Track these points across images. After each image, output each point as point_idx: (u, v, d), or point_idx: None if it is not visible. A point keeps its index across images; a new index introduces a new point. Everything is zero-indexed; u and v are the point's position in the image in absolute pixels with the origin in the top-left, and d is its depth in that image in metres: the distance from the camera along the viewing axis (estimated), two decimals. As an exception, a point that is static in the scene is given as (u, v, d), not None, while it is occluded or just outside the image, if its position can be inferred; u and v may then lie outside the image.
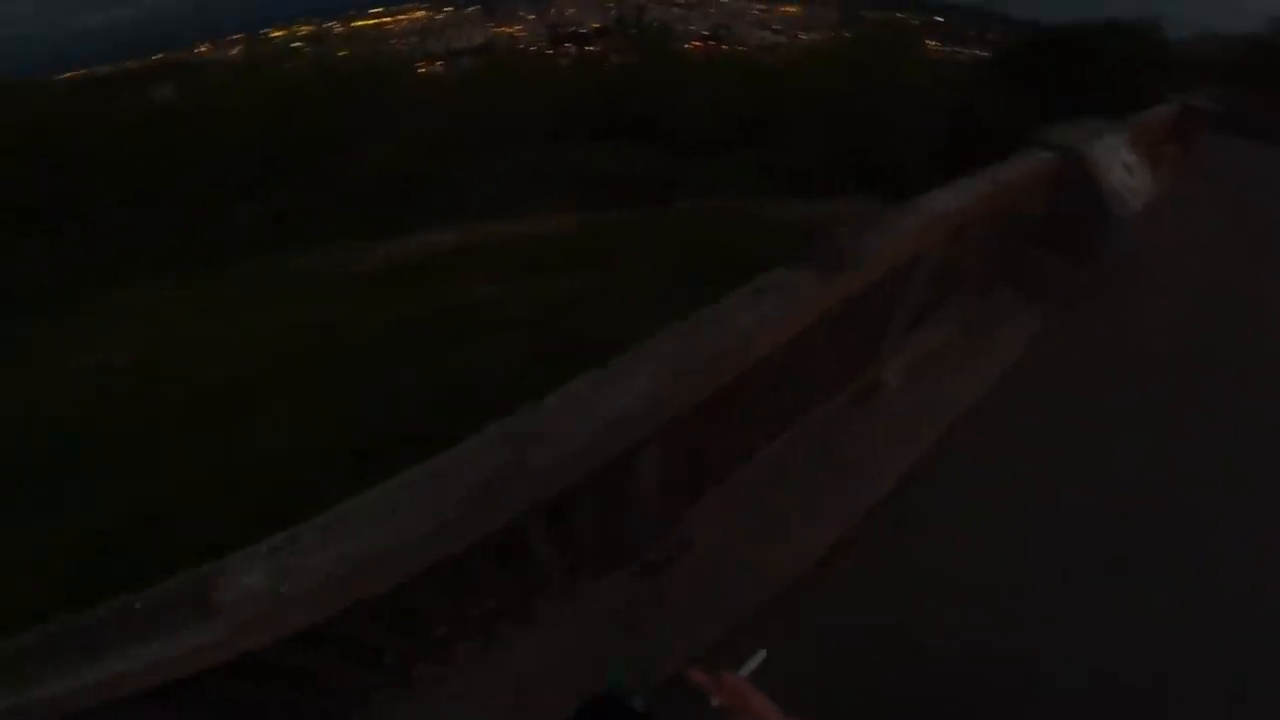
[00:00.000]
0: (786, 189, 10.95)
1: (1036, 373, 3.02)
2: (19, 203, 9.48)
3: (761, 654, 0.97)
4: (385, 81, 18.43)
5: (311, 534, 1.36)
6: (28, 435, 5.39)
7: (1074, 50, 13.05)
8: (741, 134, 14.82)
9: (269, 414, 5.47)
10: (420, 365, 5.66)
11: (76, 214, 9.32)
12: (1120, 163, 3.09)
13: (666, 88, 16.69)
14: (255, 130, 11.78)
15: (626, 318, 6.47)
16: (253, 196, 9.78)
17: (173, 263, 8.53)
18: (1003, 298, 3.22)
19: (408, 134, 12.26)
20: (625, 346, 1.81)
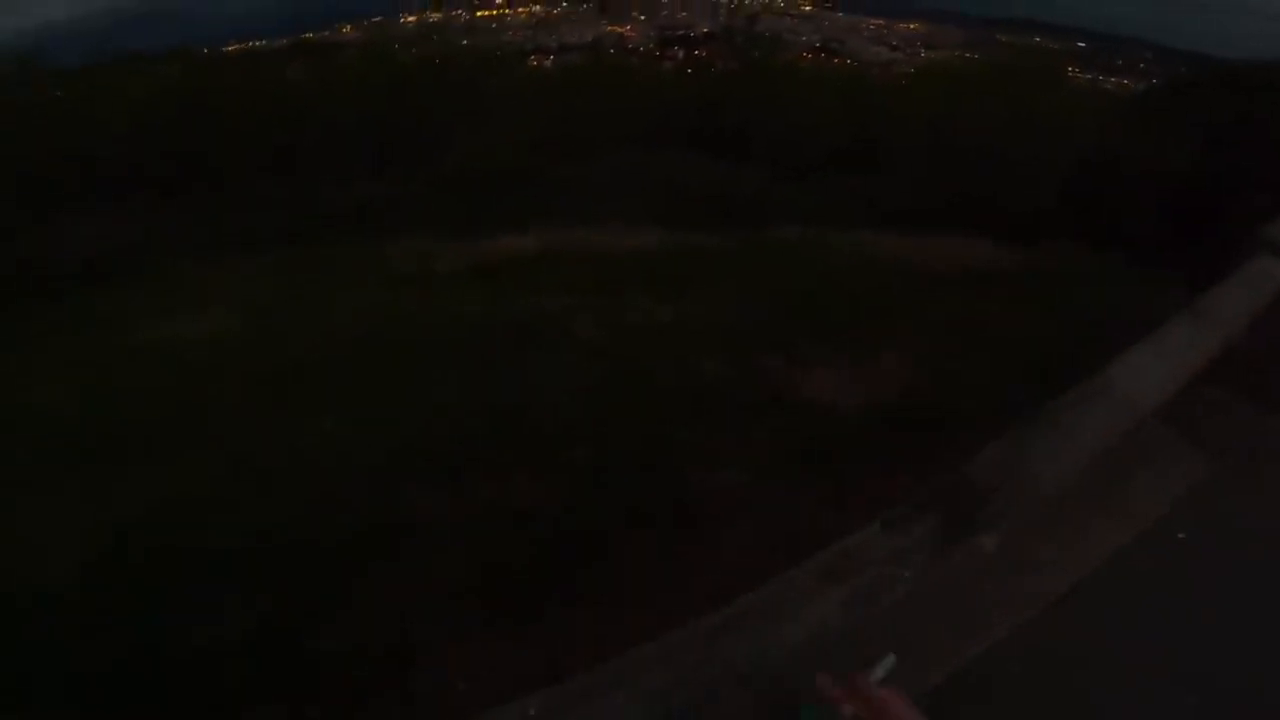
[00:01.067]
0: (888, 221, 10.17)
1: (1183, 537, 2.34)
2: (150, 169, 10.33)
3: (892, 658, 0.80)
4: (495, 73, 18.92)
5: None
6: (106, 403, 5.68)
7: (1255, 90, 11.32)
8: (844, 156, 14.04)
9: (328, 403, 5.52)
10: (478, 377, 5.58)
11: (193, 187, 10.00)
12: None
13: (768, 100, 16.07)
14: (366, 114, 12.27)
15: (692, 355, 6.13)
16: (353, 180, 10.13)
17: (273, 239, 8.90)
18: (1153, 435, 2.53)
19: (506, 129, 12.41)
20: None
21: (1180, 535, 2.33)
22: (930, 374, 5.23)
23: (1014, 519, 1.70)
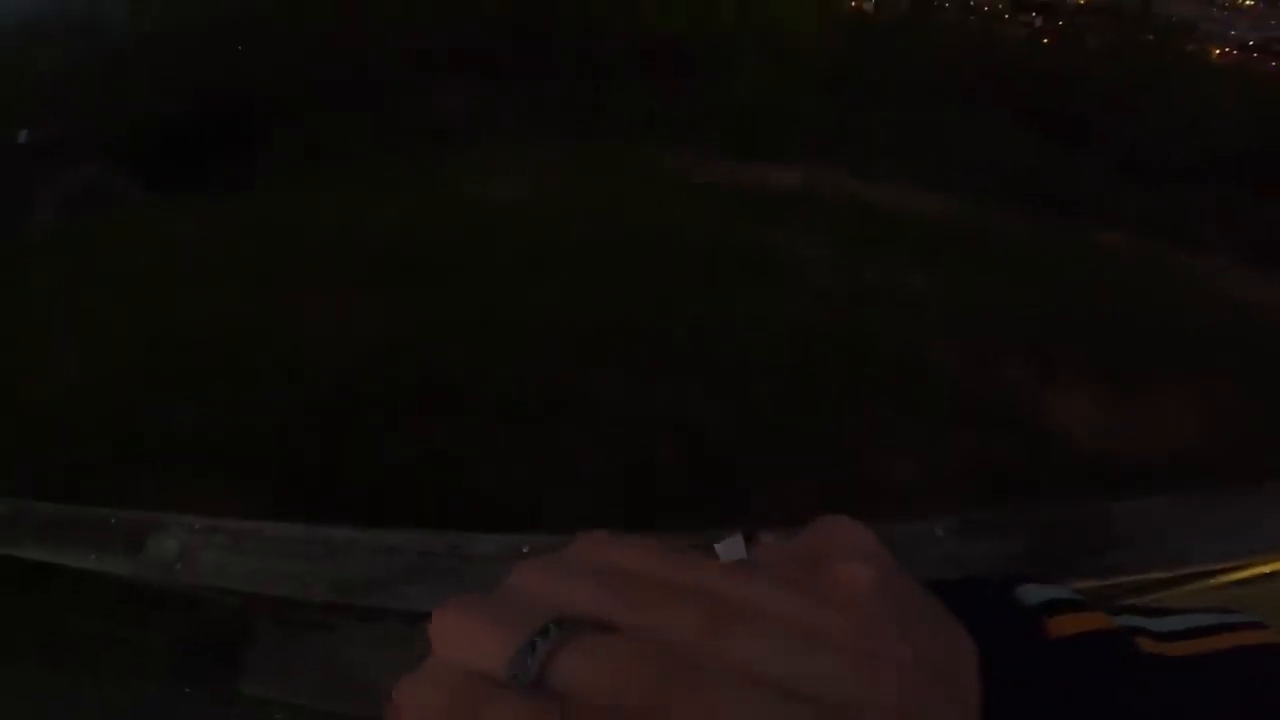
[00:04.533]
0: (1251, 255, 7.62)
1: None
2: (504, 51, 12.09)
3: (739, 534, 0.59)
4: (805, 7, 17.97)
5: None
6: (399, 242, 6.95)
7: None
8: (1233, 167, 10.65)
9: (578, 286, 6.11)
10: (695, 299, 5.69)
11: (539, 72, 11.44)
12: None
13: (1139, 89, 12.73)
14: (664, 25, 12.65)
15: (924, 339, 5.45)
16: (645, 88, 10.59)
17: (577, 132, 9.79)
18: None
19: (808, 60, 11.84)
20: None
21: None
22: (1202, 434, 4.44)
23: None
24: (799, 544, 0.31)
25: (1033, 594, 0.32)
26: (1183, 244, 7.76)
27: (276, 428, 4.80)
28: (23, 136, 11.89)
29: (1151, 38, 18.83)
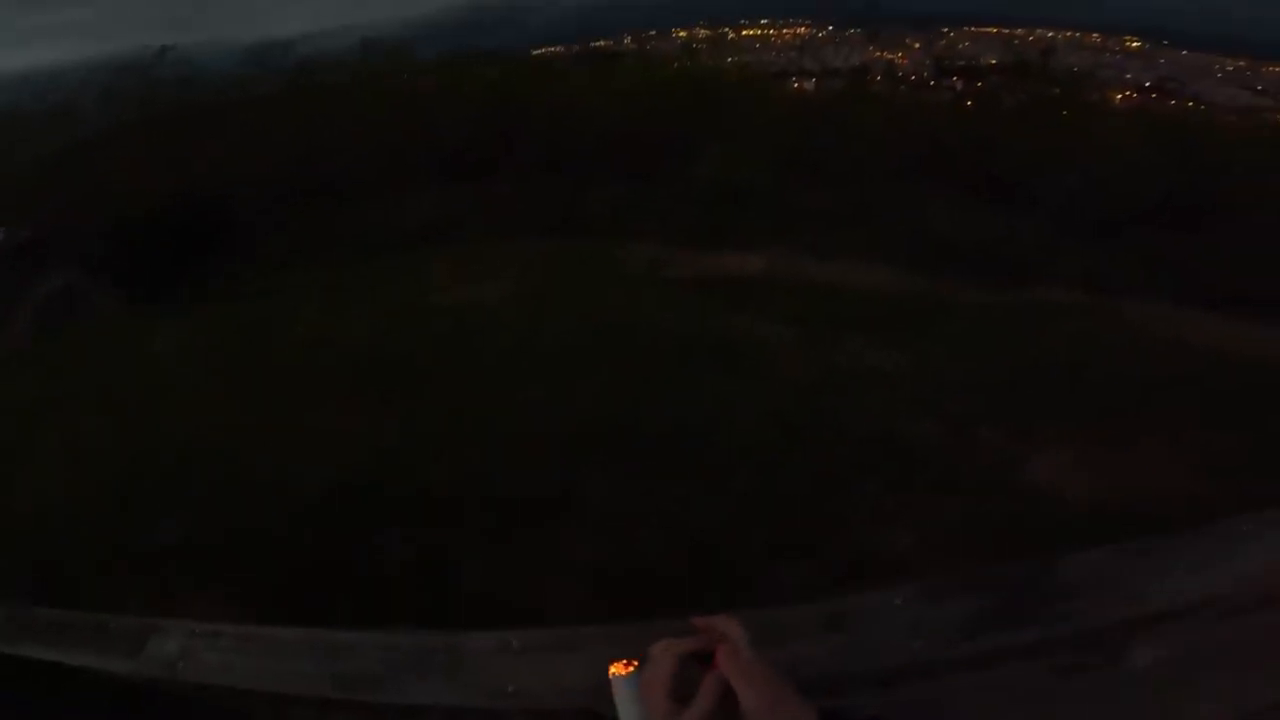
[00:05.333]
0: (1212, 300, 8.12)
1: None
2: (460, 158, 12.65)
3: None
4: (753, 92, 19.28)
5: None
6: (374, 354, 7.07)
7: None
8: (1158, 216, 11.48)
9: (559, 387, 6.23)
10: (675, 393, 5.83)
11: (489, 176, 11.94)
12: None
13: (1057, 143, 13.80)
14: (631, 123, 13.42)
15: (897, 410, 5.63)
16: (610, 183, 11.10)
17: (542, 229, 10.16)
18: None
19: (756, 148, 12.55)
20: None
21: None
22: (1179, 478, 4.55)
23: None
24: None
25: None
26: (1124, 293, 8.24)
27: (267, 535, 4.73)
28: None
29: (1058, 90, 20.48)
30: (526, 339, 7.11)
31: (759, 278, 8.11)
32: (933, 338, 6.56)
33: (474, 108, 15.19)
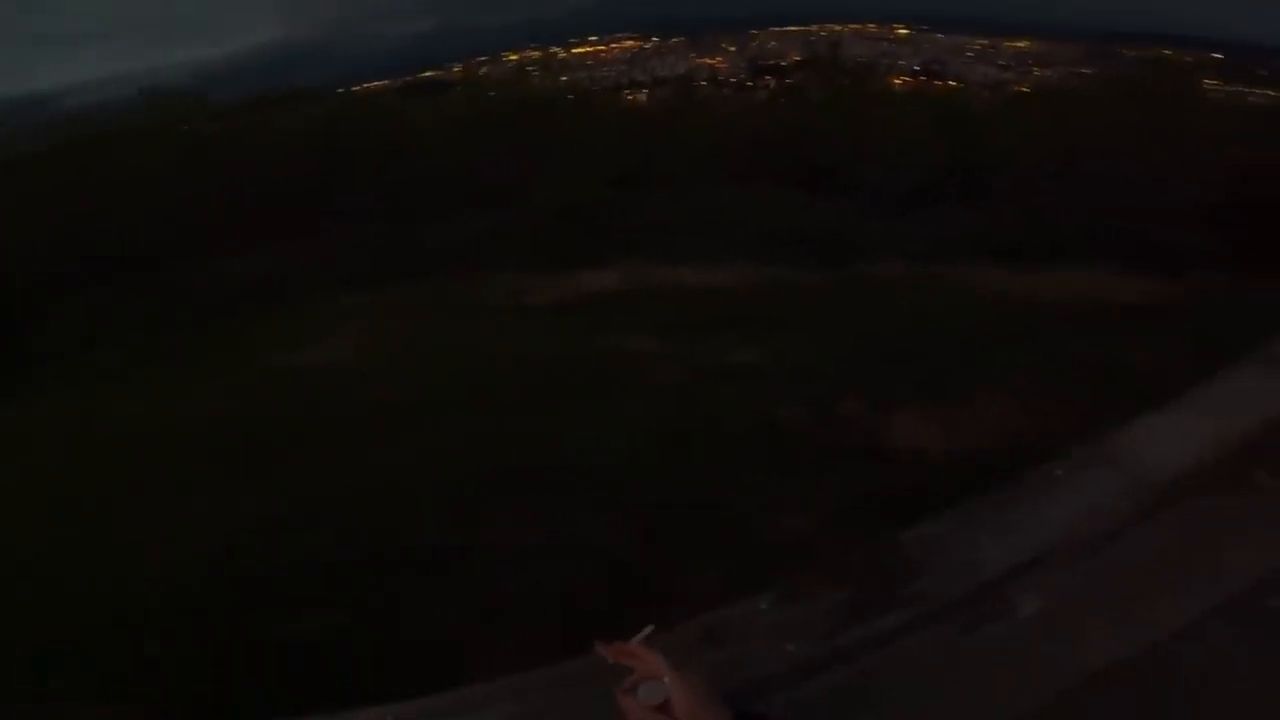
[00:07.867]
0: (1001, 256, 9.42)
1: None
2: (283, 207, 11.51)
3: (650, 627, 0.88)
4: (587, 110, 19.66)
5: None
6: (234, 421, 6.22)
7: None
8: (948, 187, 13.24)
9: (437, 433, 5.83)
10: (554, 419, 5.70)
11: (317, 224, 10.99)
12: None
13: (857, 129, 15.52)
14: (464, 153, 13.06)
15: (768, 400, 5.94)
16: (452, 217, 10.71)
17: (384, 274, 9.52)
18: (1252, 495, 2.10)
19: (594, 164, 12.75)
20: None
21: None
22: (1024, 419, 4.89)
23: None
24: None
25: None
26: (938, 259, 9.32)
27: (144, 635, 4.03)
28: None
29: (848, 82, 23.14)
30: (390, 389, 6.62)
31: (616, 292, 8.22)
32: (785, 325, 7.02)
33: (291, 152, 13.98)
